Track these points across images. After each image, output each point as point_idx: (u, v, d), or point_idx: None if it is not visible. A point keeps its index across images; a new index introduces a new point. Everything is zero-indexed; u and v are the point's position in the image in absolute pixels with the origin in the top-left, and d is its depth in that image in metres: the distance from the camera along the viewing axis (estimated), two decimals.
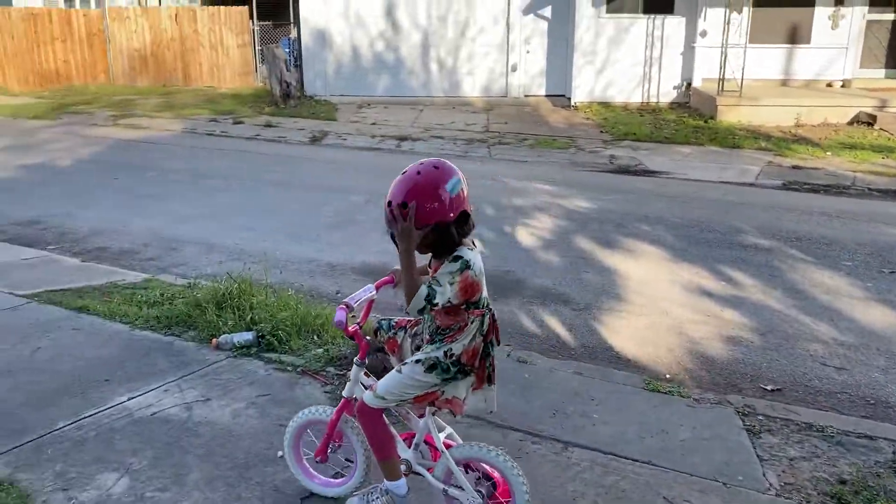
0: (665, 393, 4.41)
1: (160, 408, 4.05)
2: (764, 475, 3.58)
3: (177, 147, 13.02)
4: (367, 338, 2.99)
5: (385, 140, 13.71)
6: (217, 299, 5.18)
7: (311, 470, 3.35)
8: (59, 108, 16.91)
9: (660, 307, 5.94)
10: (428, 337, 2.80)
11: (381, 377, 2.89)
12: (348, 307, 2.87)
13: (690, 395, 4.39)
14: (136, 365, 4.56)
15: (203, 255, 7.16)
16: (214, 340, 4.83)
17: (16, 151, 12.34)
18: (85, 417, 3.95)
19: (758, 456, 3.76)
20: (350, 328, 2.92)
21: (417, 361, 2.74)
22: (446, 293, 2.59)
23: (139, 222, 8.23)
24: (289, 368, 4.54)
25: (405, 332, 3.00)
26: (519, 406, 4.18)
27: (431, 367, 2.72)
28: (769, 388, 4.66)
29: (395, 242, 2.67)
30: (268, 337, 4.82)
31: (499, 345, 2.83)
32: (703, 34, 16.11)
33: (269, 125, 14.94)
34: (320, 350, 4.73)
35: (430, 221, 2.58)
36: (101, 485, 3.37)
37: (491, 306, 2.78)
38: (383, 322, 3.06)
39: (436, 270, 2.69)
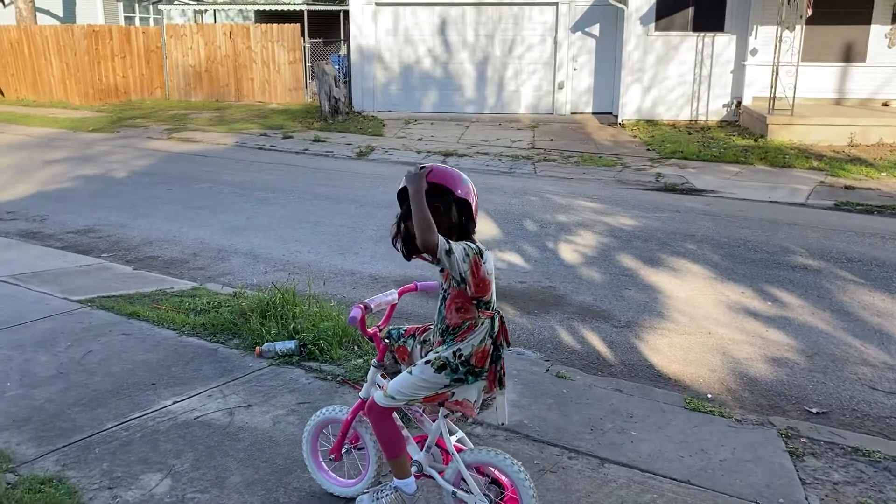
0: (706, 412, 4.35)
1: (203, 412, 4.15)
2: (806, 499, 3.51)
3: (228, 160, 13.33)
4: (386, 340, 3.07)
5: (431, 156, 13.83)
6: (261, 308, 5.29)
7: (327, 469, 3.43)
8: (116, 122, 17.48)
9: (703, 326, 5.86)
10: (439, 339, 2.86)
11: None
12: (367, 308, 2.97)
13: (732, 416, 4.33)
14: (181, 370, 4.68)
15: (249, 265, 7.31)
16: (258, 348, 4.93)
17: (75, 163, 12.79)
18: (132, 419, 4.06)
19: (800, 479, 3.68)
20: (370, 330, 3.01)
21: (427, 362, 2.81)
22: (460, 256, 2.65)
23: (189, 232, 8.45)
24: (329, 377, 4.61)
25: (414, 340, 3.07)
26: (556, 421, 4.17)
27: (441, 367, 2.78)
28: (814, 410, 4.56)
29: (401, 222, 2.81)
30: (309, 346, 4.91)
31: (508, 346, 2.90)
32: (754, 52, 15.93)
33: (317, 140, 15.20)
34: (360, 360, 4.79)
35: (437, 180, 2.71)
36: (145, 485, 3.47)
37: (500, 310, 2.88)
38: (392, 331, 3.12)
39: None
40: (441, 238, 2.60)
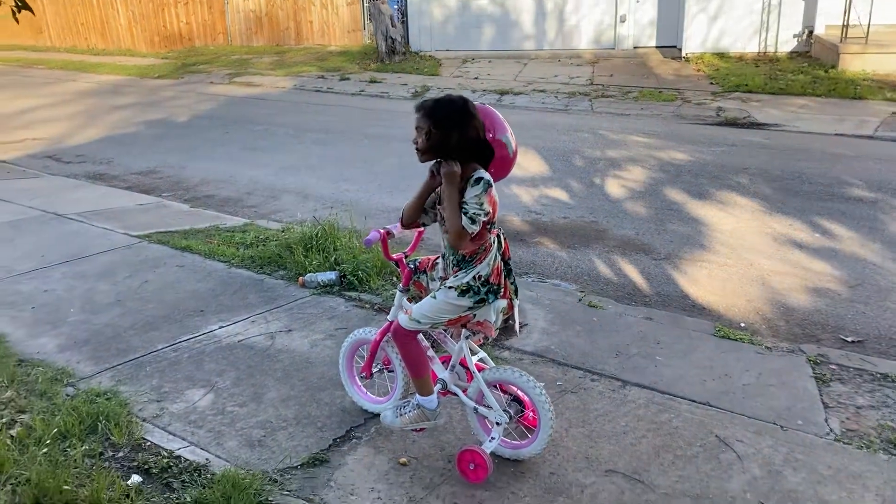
0: (735, 340, 4.37)
1: (246, 336, 4.41)
2: (826, 420, 3.53)
3: (285, 103, 13.56)
4: (411, 266, 3.18)
5: (486, 94, 13.73)
6: (304, 242, 5.51)
7: (360, 384, 3.63)
8: (181, 68, 17.90)
9: (745, 258, 5.80)
10: (455, 269, 2.94)
11: None
12: (388, 233, 3.09)
13: (763, 343, 4.34)
14: (229, 298, 4.95)
15: (299, 203, 7.54)
16: (301, 279, 5.16)
17: (140, 108, 13.24)
18: (181, 342, 4.35)
19: (823, 403, 3.69)
20: (394, 255, 3.13)
21: (451, 287, 2.91)
22: (480, 214, 2.80)
23: (244, 173, 8.73)
24: (366, 306, 4.81)
25: (426, 275, 3.18)
26: (583, 347, 4.27)
27: (463, 291, 2.89)
28: (850, 339, 4.51)
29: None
30: (349, 277, 5.10)
31: (509, 260, 3.01)
32: None
33: (373, 81, 15.26)
34: (397, 290, 4.95)
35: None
36: (189, 399, 3.75)
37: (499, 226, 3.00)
38: (409, 263, 3.23)
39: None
40: (466, 222, 2.77)
